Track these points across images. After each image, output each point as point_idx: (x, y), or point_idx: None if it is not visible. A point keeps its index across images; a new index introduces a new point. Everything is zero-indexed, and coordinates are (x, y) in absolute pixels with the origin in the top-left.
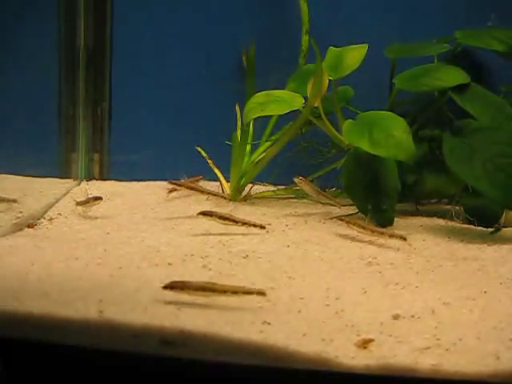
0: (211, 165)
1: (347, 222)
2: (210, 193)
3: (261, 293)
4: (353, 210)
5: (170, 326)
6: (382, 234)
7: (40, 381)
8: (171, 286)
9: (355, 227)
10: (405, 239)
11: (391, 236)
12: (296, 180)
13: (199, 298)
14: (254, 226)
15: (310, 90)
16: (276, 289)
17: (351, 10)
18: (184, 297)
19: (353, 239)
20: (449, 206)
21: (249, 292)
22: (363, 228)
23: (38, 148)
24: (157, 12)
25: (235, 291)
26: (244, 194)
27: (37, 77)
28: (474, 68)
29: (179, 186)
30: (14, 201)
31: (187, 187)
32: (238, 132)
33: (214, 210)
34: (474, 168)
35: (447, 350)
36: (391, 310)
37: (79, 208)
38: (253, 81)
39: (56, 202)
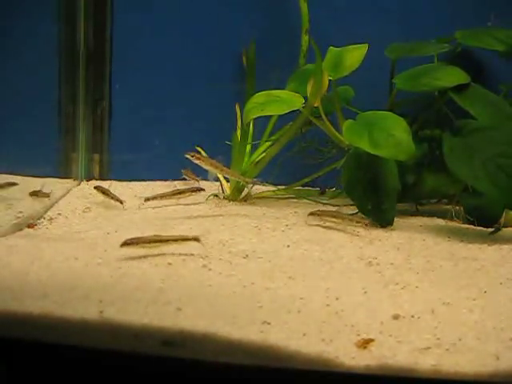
0: None
1: (320, 215)
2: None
3: (196, 239)
4: (353, 209)
5: (170, 326)
6: (351, 220)
7: (40, 381)
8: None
9: (328, 218)
10: (367, 224)
11: (358, 222)
12: (188, 157)
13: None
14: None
15: (309, 90)
16: (276, 289)
17: (351, 9)
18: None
19: (353, 239)
20: (449, 206)
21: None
22: (334, 217)
23: (38, 148)
24: (156, 12)
25: (176, 239)
26: (244, 193)
27: (37, 77)
28: (474, 68)
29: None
30: (14, 184)
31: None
32: (238, 132)
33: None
34: (474, 168)
35: (447, 350)
36: (391, 310)
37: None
38: (253, 81)
39: (56, 202)
